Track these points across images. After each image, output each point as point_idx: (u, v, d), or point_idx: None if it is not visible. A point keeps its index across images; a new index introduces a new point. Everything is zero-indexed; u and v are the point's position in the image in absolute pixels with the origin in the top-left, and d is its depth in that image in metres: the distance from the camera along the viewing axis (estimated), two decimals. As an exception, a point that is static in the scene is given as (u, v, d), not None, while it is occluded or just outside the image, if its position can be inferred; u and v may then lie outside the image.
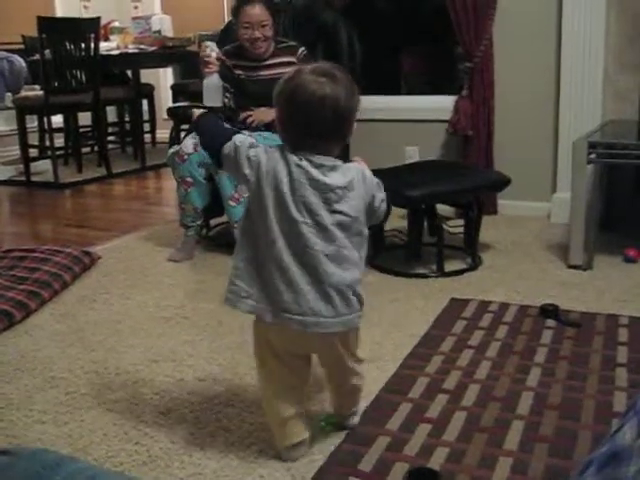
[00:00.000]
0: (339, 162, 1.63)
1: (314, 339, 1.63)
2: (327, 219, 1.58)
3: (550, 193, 3.83)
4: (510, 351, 2.26)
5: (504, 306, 2.63)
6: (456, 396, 1.98)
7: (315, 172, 1.58)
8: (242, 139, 1.65)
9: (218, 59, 3.16)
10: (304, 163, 1.58)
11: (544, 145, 3.81)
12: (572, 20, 3.59)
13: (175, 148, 3.36)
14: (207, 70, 3.10)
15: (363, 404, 1.91)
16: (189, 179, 3.27)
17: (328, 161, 1.61)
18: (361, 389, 1.83)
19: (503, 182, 3.22)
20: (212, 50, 3.14)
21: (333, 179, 1.59)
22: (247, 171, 1.61)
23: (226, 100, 3.36)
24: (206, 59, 3.11)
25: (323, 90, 1.57)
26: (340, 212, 1.59)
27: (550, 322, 2.47)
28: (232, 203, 3.18)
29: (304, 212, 1.57)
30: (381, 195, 1.69)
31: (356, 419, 1.85)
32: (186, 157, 3.24)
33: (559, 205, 3.70)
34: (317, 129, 1.59)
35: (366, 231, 1.66)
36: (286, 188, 1.57)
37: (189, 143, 3.28)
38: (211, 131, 1.76)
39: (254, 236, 1.61)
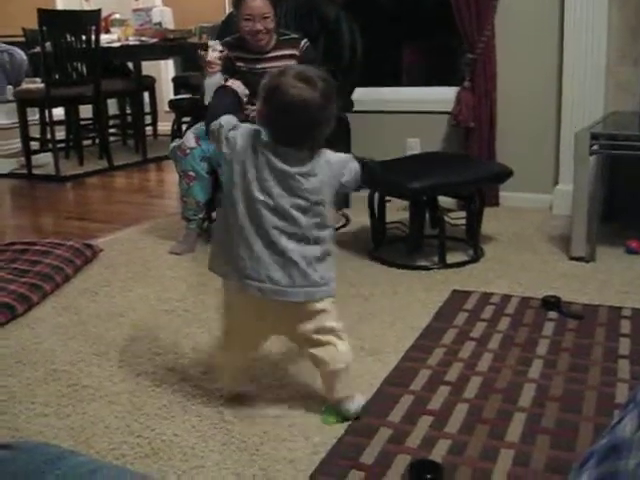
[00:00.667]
0: (304, 154, 1.75)
1: (275, 308, 1.76)
2: (285, 201, 1.73)
3: (552, 185, 3.83)
4: (512, 343, 2.26)
5: (506, 298, 2.63)
6: (458, 388, 1.98)
7: (275, 159, 1.73)
8: (227, 119, 1.84)
9: (221, 59, 3.15)
10: (267, 150, 1.74)
11: (546, 137, 3.81)
12: (574, 11, 3.57)
13: (177, 142, 3.36)
14: (209, 70, 3.09)
15: (365, 397, 1.92)
16: (191, 173, 3.27)
17: (293, 153, 1.74)
18: (347, 370, 1.83)
19: (505, 174, 3.22)
20: (214, 50, 3.13)
21: (292, 167, 1.73)
22: (225, 150, 1.80)
23: None
24: (208, 59, 3.10)
25: (300, 96, 1.69)
26: (299, 196, 1.73)
27: (552, 314, 2.47)
28: (234, 196, 3.17)
29: (265, 193, 1.73)
30: (349, 172, 1.82)
31: (354, 405, 1.85)
32: (188, 151, 3.24)
33: (561, 197, 3.69)
34: (291, 130, 1.74)
35: (328, 213, 1.79)
36: (251, 170, 1.74)
37: (191, 137, 3.27)
38: (214, 107, 1.96)
39: (227, 210, 1.79)
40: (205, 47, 3.20)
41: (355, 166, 1.83)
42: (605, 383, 1.98)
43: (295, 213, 1.73)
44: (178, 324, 2.51)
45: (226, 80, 3.29)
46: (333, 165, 1.79)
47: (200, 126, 3.33)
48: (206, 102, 3.07)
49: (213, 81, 3.09)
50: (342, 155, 1.84)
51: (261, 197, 1.72)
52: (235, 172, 1.76)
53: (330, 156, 1.79)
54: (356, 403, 1.86)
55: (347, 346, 1.84)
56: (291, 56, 3.35)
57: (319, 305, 1.77)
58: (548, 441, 1.72)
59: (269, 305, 1.76)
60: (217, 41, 3.27)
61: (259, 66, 3.33)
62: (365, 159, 1.91)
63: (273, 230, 1.72)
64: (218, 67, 3.11)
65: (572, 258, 3.02)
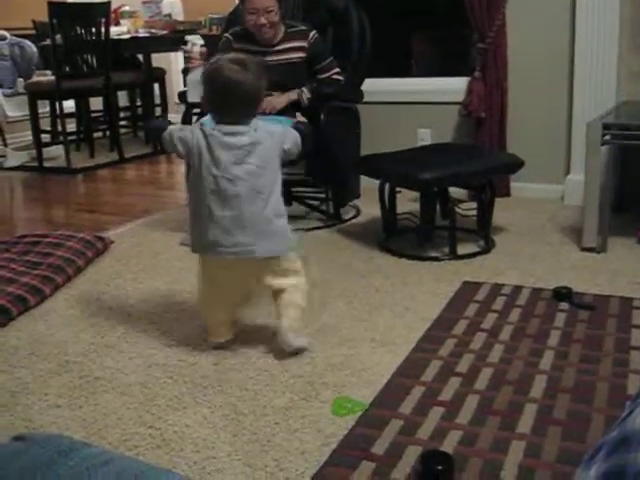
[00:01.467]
0: (247, 128, 2.06)
1: (244, 265, 2.11)
2: (239, 170, 2.04)
3: (563, 175, 3.81)
4: (523, 334, 2.26)
5: (517, 289, 2.62)
6: (469, 379, 1.98)
7: (224, 137, 2.04)
8: (173, 127, 2.15)
9: (202, 53, 3.13)
10: (215, 132, 2.05)
11: (557, 126, 3.78)
12: (586, 0, 3.54)
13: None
14: (190, 65, 3.08)
15: (375, 388, 1.92)
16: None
17: (238, 128, 2.05)
18: (301, 304, 2.18)
19: (516, 164, 3.21)
20: (194, 45, 3.12)
21: (239, 140, 2.04)
22: (182, 149, 2.10)
23: None
24: (189, 54, 3.09)
25: (236, 76, 2.01)
26: (249, 163, 2.04)
27: (563, 305, 2.46)
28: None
29: (220, 168, 2.04)
30: (290, 139, 2.13)
31: (301, 341, 2.16)
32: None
33: (572, 187, 3.67)
34: (231, 107, 2.06)
35: (278, 177, 2.11)
36: (206, 153, 2.05)
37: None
38: (158, 129, 2.21)
39: (194, 194, 2.10)
40: (185, 42, 3.19)
41: (294, 134, 2.15)
42: (617, 374, 1.98)
43: (249, 178, 2.03)
44: (189, 315, 2.52)
45: None
46: (275, 135, 2.10)
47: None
48: (189, 99, 3.03)
49: (195, 77, 3.07)
50: (281, 127, 2.19)
51: (218, 172, 2.03)
52: (194, 161, 2.06)
53: (271, 127, 2.12)
54: (304, 339, 2.17)
55: (304, 282, 2.20)
56: (300, 48, 3.34)
57: (284, 256, 2.12)
58: (559, 432, 1.72)
59: (240, 263, 2.10)
60: (197, 35, 3.26)
61: (268, 59, 3.31)
62: (298, 125, 2.25)
63: (232, 197, 2.03)
64: (199, 62, 3.10)
65: (583, 249, 3.01)
